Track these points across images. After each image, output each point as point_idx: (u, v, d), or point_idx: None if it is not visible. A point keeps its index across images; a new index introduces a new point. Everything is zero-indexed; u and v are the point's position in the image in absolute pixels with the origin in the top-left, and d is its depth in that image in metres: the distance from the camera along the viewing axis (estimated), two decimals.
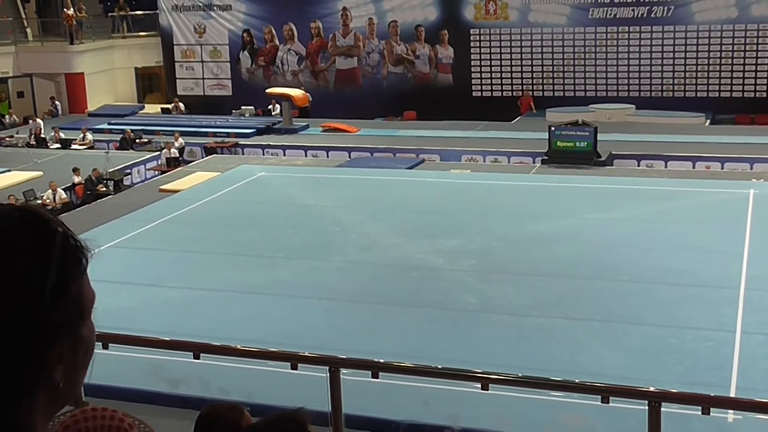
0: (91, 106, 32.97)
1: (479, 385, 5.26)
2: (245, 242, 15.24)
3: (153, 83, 36.33)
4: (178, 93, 33.76)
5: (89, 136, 27.08)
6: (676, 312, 11.54)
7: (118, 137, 26.93)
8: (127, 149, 25.96)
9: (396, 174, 20.91)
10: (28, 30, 34.58)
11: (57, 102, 32.65)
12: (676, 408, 5.55)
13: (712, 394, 7.01)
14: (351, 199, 18.36)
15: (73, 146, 26.54)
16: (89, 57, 33.39)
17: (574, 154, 21.61)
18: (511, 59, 30.48)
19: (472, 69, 30.89)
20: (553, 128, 22.29)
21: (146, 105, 33.87)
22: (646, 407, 4.66)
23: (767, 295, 11.93)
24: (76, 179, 21.38)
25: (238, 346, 7.12)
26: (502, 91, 30.74)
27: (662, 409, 4.64)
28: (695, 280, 12.59)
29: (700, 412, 4.87)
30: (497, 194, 18.44)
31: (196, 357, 5.81)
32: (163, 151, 24.40)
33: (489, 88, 30.89)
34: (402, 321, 11.57)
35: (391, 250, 14.62)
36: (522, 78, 30.48)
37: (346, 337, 10.80)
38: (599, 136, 21.70)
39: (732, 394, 8.98)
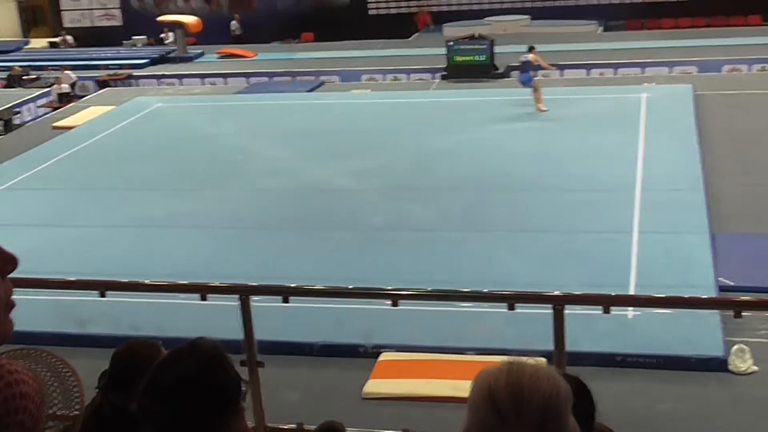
0: None
1: (390, 302, 5.32)
2: (146, 176, 14.94)
3: (37, 16, 34.78)
4: (65, 26, 32.48)
5: None
6: (576, 217, 11.87)
7: (5, 74, 25.86)
8: (15, 86, 24.97)
9: (296, 98, 20.68)
10: None
11: None
12: (579, 309, 5.74)
13: (612, 294, 7.28)
14: (252, 126, 18.12)
15: None
16: None
17: (472, 68, 21.71)
18: None
19: None
20: (450, 43, 22.32)
21: (32, 40, 32.49)
22: (551, 311, 4.79)
23: (661, 195, 12.36)
24: None
25: (146, 281, 7.04)
26: (398, 7, 30.52)
27: (566, 311, 4.78)
28: (593, 185, 12.94)
29: (601, 312, 5.04)
30: (399, 112, 18.45)
31: (103, 295, 5.71)
32: (54, 86, 23.54)
33: (385, 5, 30.61)
34: (312, 244, 11.60)
35: (296, 174, 14.56)
36: None
37: (255, 264, 10.78)
38: (496, 49, 21.83)
39: (632, 292, 9.35)
